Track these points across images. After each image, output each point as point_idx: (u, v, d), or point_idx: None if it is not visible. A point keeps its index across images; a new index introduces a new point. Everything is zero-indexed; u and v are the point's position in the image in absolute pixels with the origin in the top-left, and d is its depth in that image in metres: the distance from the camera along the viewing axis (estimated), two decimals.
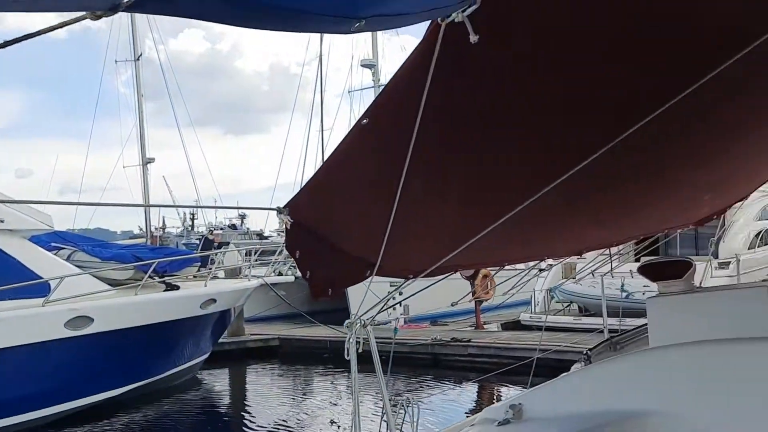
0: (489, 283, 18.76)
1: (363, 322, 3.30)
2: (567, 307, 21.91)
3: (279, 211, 2.54)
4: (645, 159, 3.62)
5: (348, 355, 3.27)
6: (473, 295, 18.27)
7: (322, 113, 40.58)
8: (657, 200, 4.71)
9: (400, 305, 19.38)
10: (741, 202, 6.14)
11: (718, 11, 2.51)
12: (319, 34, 39.08)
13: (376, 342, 3.48)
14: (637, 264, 5.19)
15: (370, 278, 3.25)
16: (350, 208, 2.71)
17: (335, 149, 2.33)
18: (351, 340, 3.25)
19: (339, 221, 2.78)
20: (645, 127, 2.75)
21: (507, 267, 5.39)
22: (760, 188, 21.86)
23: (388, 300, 3.65)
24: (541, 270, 18.93)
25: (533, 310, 21.49)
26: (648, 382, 3.13)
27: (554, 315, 20.90)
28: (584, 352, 3.86)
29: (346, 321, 3.31)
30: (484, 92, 2.34)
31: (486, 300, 19.69)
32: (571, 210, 3.63)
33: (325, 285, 3.02)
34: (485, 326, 20.45)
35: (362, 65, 37.17)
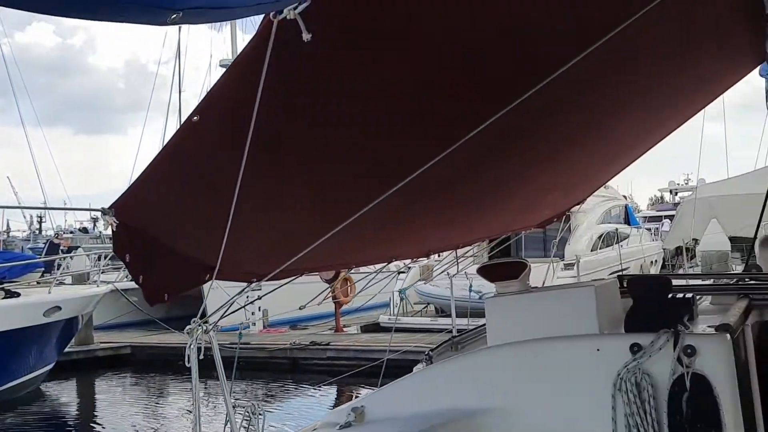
0: (349, 286, 18.88)
1: (205, 328, 3.19)
2: (424, 308, 22.39)
3: (104, 212, 2.41)
4: (486, 162, 3.74)
5: (188, 363, 3.16)
6: (333, 298, 18.31)
7: (180, 113, 39.37)
8: (500, 202, 4.89)
9: (260, 310, 19.13)
10: (579, 205, 6.49)
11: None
12: (177, 32, 37.92)
13: (226, 348, 3.38)
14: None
15: (218, 281, 3.16)
16: (184, 208, 2.61)
17: (164, 147, 2.23)
18: (192, 346, 3.14)
19: (171, 222, 2.67)
20: (485, 132, 2.83)
21: (368, 269, 5.42)
22: (602, 193, 23.23)
23: (232, 304, 3.55)
24: (400, 272, 19.25)
25: (392, 312, 21.79)
26: (483, 380, 3.23)
27: (412, 316, 21.30)
28: (426, 353, 3.94)
29: (187, 327, 3.20)
30: (320, 92, 2.32)
31: (345, 303, 19.78)
32: (414, 212, 3.69)
33: (159, 290, 2.90)
34: (345, 329, 20.54)
35: (221, 65, 36.35)
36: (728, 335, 3.04)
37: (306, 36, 1.95)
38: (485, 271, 3.79)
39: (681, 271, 19.25)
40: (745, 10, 4.01)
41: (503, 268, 3.73)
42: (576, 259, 16.77)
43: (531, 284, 4.80)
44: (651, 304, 3.26)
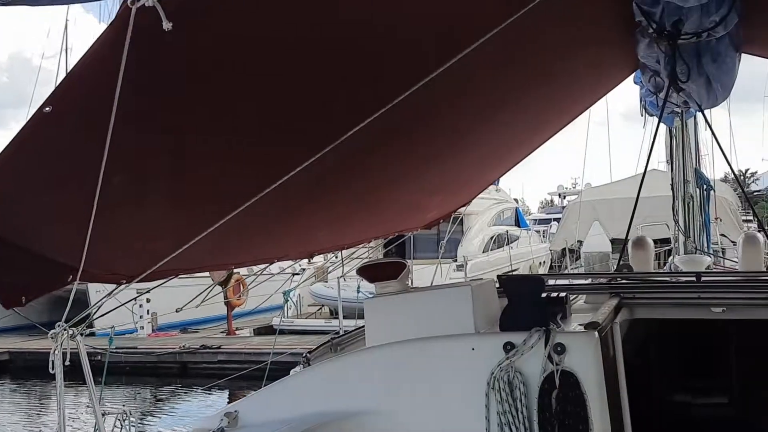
0: (242, 288, 18.57)
1: (72, 333, 3.01)
2: (319, 310, 22.32)
3: None
4: (367, 162, 3.72)
5: (52, 369, 2.98)
6: (225, 300, 17.97)
7: None
8: (384, 203, 4.90)
9: (148, 313, 18.53)
10: (465, 207, 6.59)
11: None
12: (63, 25, 36.29)
13: (110, 353, 3.21)
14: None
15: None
16: (40, 205, 2.45)
17: (13, 139, 2.08)
18: (57, 352, 2.96)
19: (27, 220, 2.50)
20: (364, 131, 2.80)
21: (262, 271, 5.29)
22: (494, 196, 23.71)
23: (100, 307, 3.39)
24: (295, 274, 19.07)
25: (285, 315, 21.61)
26: (360, 382, 3.20)
27: (306, 318, 21.20)
28: (304, 355, 3.88)
29: (51, 331, 3.01)
30: (184, 84, 2.23)
31: (237, 305, 19.45)
32: (295, 212, 3.63)
33: (16, 292, 2.71)
34: (237, 332, 20.20)
35: None
36: (596, 333, 3.14)
37: (167, 25, 1.86)
38: (365, 272, 3.77)
39: (567, 272, 19.99)
40: (616, 16, 4.16)
41: (382, 269, 3.72)
42: (464, 260, 17.04)
43: (416, 284, 4.84)
44: (525, 303, 3.32)
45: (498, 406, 2.99)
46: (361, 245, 5.94)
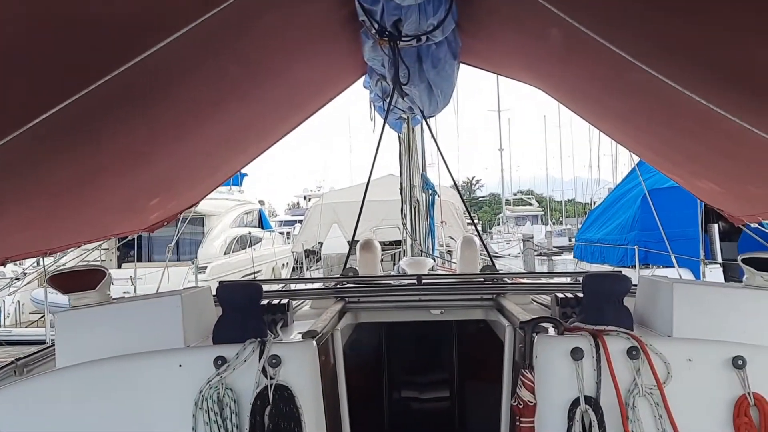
0: None
1: None
2: (41, 318, 20.37)
3: None
4: (68, 154, 3.26)
5: None
6: None
7: None
8: (97, 204, 4.40)
9: None
10: (192, 208, 6.21)
11: None
12: None
13: None
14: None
15: None
16: None
17: None
18: None
19: None
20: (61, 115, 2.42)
21: None
22: (237, 197, 23.31)
23: None
24: (16, 278, 17.18)
25: (2, 323, 19.49)
26: (49, 408, 2.76)
27: (26, 327, 19.26)
28: None
29: None
30: None
31: None
32: None
33: None
34: None
35: None
36: (314, 342, 2.99)
37: None
38: (55, 281, 3.27)
39: (307, 275, 20.14)
40: (343, 16, 4.09)
41: (77, 278, 3.26)
42: (195, 263, 16.45)
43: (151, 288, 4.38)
44: (240, 312, 3.09)
45: (206, 428, 2.72)
46: (79, 246, 5.35)
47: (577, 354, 2.78)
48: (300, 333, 3.13)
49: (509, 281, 5.05)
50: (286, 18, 3.61)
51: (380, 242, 11.41)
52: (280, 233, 32.80)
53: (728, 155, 3.68)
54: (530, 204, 73.70)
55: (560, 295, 3.90)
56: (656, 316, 3.29)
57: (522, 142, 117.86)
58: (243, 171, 30.77)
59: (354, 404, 3.70)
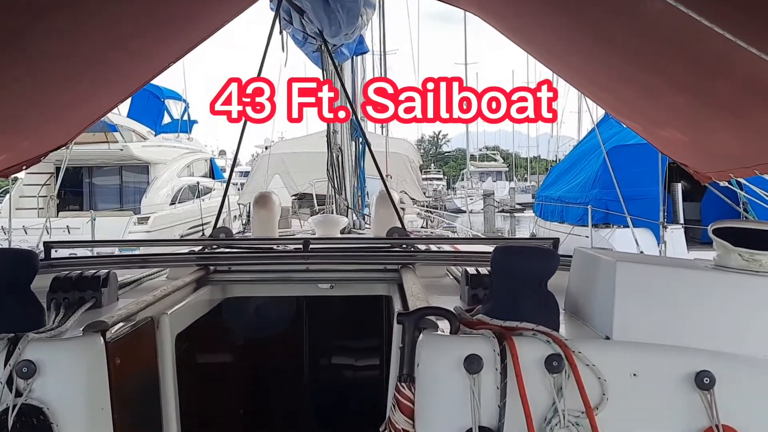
0: None
1: None
2: None
3: None
4: None
5: None
6: None
7: None
8: None
9: None
10: (64, 147, 5.20)
11: None
12: None
13: None
14: None
15: None
16: None
17: None
18: None
19: None
20: None
21: None
22: (186, 145, 22.22)
23: None
24: None
25: None
26: None
27: None
28: None
29: None
30: None
31: None
32: None
33: None
34: None
35: None
36: (100, 338, 2.09)
37: None
38: None
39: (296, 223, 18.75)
40: None
41: None
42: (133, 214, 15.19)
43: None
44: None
45: None
46: None
47: (473, 364, 1.89)
48: (89, 324, 2.19)
49: (422, 248, 4.12)
50: None
51: (320, 196, 10.46)
52: (233, 184, 31.55)
53: (696, 92, 2.78)
54: (495, 160, 72.99)
55: (471, 270, 2.94)
56: (593, 308, 2.31)
57: None
58: (194, 118, 29.39)
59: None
